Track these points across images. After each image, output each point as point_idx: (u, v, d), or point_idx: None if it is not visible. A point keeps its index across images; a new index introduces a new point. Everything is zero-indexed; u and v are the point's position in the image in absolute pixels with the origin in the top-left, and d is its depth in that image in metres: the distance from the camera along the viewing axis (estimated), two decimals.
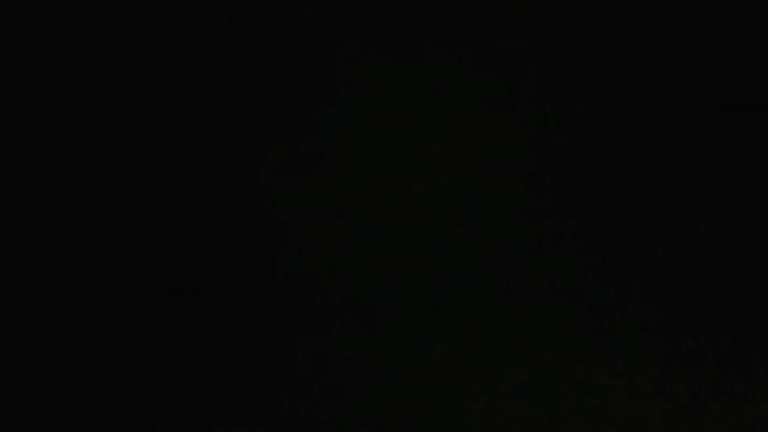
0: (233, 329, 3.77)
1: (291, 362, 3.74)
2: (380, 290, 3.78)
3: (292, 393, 3.71)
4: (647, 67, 3.86)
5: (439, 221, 3.83)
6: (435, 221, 3.83)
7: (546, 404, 3.68)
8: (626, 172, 3.82)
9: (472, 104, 3.89)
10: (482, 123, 3.87)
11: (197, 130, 3.87)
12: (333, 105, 3.89)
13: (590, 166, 3.83)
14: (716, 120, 3.82)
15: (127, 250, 3.79)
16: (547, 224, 3.80)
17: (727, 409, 3.60)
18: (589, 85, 3.87)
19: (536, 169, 3.84)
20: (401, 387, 3.72)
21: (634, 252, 3.78)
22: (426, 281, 3.78)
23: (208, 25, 3.90)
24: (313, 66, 3.90)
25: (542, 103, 3.87)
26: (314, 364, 3.74)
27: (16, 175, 3.81)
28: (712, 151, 3.81)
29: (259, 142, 3.87)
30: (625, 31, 3.88)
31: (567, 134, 3.85)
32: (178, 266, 3.80)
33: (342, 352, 3.74)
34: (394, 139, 3.87)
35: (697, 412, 3.60)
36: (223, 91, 3.90)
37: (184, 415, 3.70)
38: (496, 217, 3.82)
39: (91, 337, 3.75)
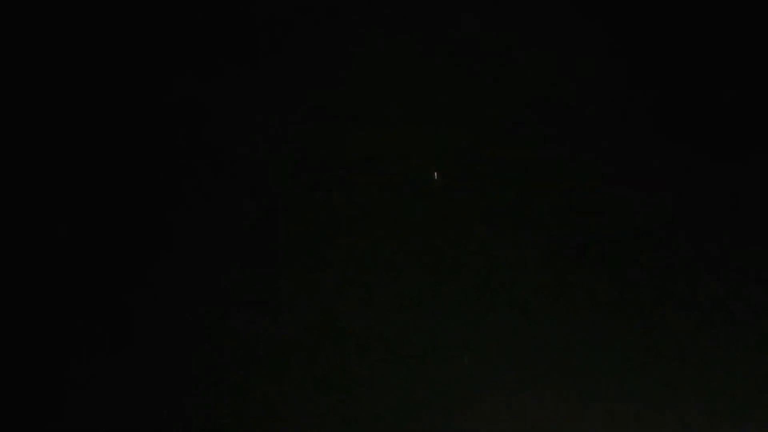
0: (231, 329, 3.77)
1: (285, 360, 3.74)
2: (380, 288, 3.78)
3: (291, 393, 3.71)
4: (644, 66, 3.86)
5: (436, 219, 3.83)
6: (431, 219, 3.83)
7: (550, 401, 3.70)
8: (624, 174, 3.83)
9: (468, 103, 3.88)
10: (478, 121, 3.87)
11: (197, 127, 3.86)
12: (331, 100, 3.87)
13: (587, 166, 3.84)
14: (714, 121, 3.82)
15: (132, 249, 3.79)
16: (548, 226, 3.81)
17: None
18: (587, 85, 3.86)
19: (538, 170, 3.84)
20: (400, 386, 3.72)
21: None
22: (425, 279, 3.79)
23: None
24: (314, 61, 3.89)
25: (539, 102, 3.86)
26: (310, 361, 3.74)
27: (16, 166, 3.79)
28: (709, 153, 3.81)
29: (259, 141, 3.86)
30: (621, 30, 3.88)
31: (564, 134, 3.85)
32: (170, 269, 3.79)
33: (339, 349, 3.74)
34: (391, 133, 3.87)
35: None
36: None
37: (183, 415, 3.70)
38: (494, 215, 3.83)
39: (92, 335, 3.75)
